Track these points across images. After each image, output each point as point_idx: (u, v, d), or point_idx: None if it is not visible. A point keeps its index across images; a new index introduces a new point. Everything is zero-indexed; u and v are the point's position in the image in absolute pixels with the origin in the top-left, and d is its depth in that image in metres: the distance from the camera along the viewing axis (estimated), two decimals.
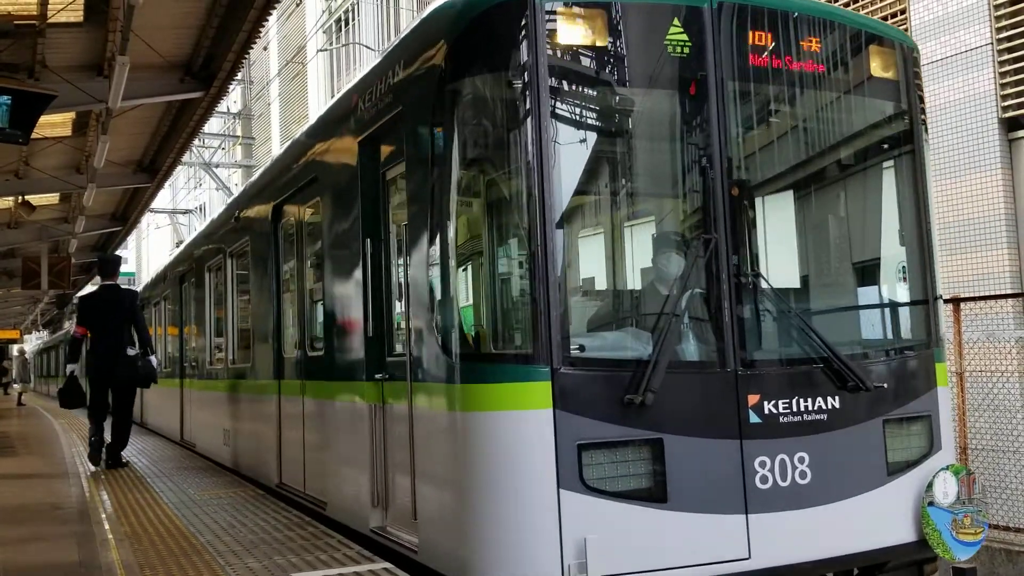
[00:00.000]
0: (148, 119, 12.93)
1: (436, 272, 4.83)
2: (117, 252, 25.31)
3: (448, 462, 4.74)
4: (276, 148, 26.84)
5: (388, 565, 5.23)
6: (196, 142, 18.99)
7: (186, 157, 19.11)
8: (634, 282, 5.78)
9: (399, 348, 5.58)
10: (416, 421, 5.15)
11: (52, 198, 17.15)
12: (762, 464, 4.69)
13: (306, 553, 5.65)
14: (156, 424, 16.79)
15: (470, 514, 4.53)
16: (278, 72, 28.59)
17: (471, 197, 5.00)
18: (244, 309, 10.12)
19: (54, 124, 12.25)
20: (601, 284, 6.01)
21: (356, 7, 24.55)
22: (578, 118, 5.00)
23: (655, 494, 4.50)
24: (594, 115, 5.11)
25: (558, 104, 4.74)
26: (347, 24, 25.39)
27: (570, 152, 4.88)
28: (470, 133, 4.87)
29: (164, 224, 44.53)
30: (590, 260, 5.85)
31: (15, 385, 38.74)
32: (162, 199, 29.27)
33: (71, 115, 12.13)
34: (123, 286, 11.49)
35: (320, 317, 7.13)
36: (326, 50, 25.91)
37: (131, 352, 10.08)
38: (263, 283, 8.71)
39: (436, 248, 4.83)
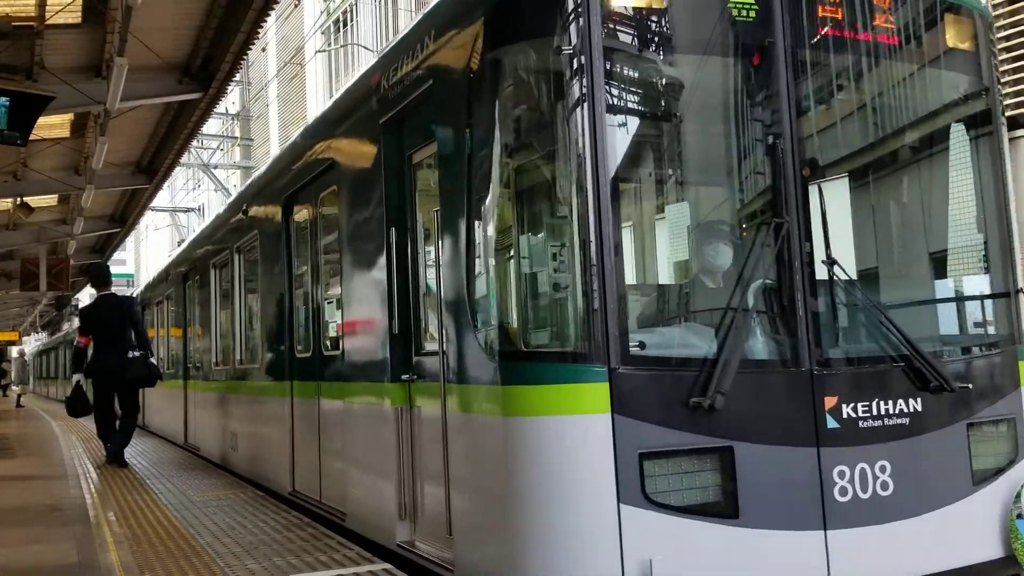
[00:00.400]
0: (146, 120, 12.91)
1: (474, 262, 4.41)
2: (111, 255, 25.36)
3: (490, 473, 4.29)
4: (275, 149, 26.83)
5: (388, 566, 5.22)
6: (195, 143, 18.95)
7: (185, 158, 19.08)
8: (694, 272, 5.16)
9: (429, 346, 5.24)
10: (451, 426, 4.71)
11: (51, 199, 17.13)
12: (841, 474, 4.22)
13: (306, 555, 5.65)
14: (159, 427, 16.44)
15: (517, 531, 4.06)
16: (276, 73, 28.58)
17: (514, 179, 4.53)
18: (252, 307, 9.70)
19: (52, 125, 12.24)
20: (658, 275, 5.55)
21: (354, 8, 24.55)
22: (634, 90, 4.55)
23: (725, 509, 4.05)
24: (652, 88, 4.63)
25: (612, 74, 4.27)
26: (345, 25, 25.39)
27: (625, 128, 4.45)
28: (514, 107, 4.40)
29: (163, 225, 44.55)
30: (646, 248, 5.34)
31: (14, 387, 38.72)
32: (161, 200, 29.24)
33: (69, 116, 12.12)
34: (119, 293, 12.48)
35: (337, 314, 6.72)
36: (325, 51, 25.91)
37: (133, 355, 10.54)
38: (273, 279, 8.28)
39: (475, 235, 4.41)
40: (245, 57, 10.41)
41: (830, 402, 4.27)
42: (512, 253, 4.51)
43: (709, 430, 4.06)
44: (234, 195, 11.59)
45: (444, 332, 4.73)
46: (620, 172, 4.39)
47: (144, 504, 7.87)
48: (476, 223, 4.41)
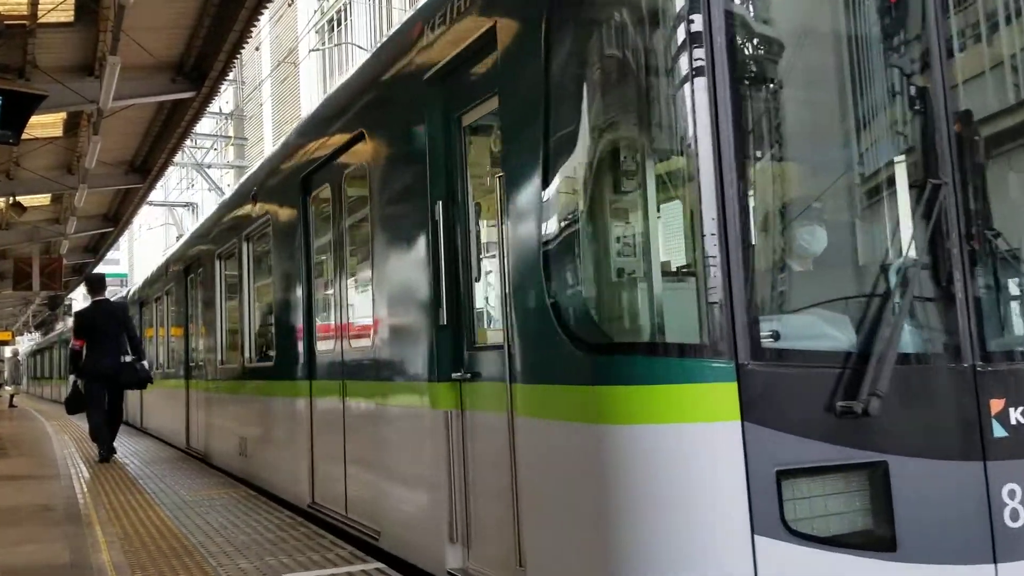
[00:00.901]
0: (139, 119, 12.90)
1: (555, 238, 3.68)
2: (104, 255, 25.36)
3: (578, 494, 3.47)
4: (268, 149, 26.80)
5: (380, 565, 5.22)
6: (188, 143, 18.95)
7: (178, 158, 19.06)
8: (829, 247, 4.14)
9: (489, 338, 4.63)
10: (521, 435, 3.93)
11: (43, 199, 17.10)
12: (1011, 494, 3.48)
13: (298, 554, 5.64)
14: (158, 429, 15.49)
15: (616, 568, 3.27)
16: (270, 72, 28.55)
17: (611, 137, 3.70)
18: (264, 300, 8.97)
19: (45, 125, 12.23)
20: (779, 252, 4.79)
21: (348, 7, 24.52)
22: (753, 32, 3.81)
23: (880, 540, 3.33)
24: (776, 29, 3.90)
25: (731, 10, 3.55)
26: (339, 24, 25.36)
27: (745, 75, 3.71)
28: (613, 48, 3.62)
29: (156, 225, 44.48)
30: (769, 219, 4.31)
31: (7, 387, 38.62)
32: (155, 198, 29.18)
33: (62, 115, 12.11)
34: (112, 299, 13.52)
35: (367, 305, 5.91)
36: (318, 50, 25.88)
37: (126, 359, 11.23)
38: (290, 268, 7.43)
39: (554, 207, 3.69)
40: (238, 56, 10.40)
41: (996, 405, 3.54)
42: (607, 226, 3.70)
43: (859, 441, 3.34)
44: (242, 179, 10.30)
45: (510, 321, 3.98)
46: (745, 127, 3.60)
47: (136, 504, 7.86)
48: (556, 192, 3.68)
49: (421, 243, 4.89)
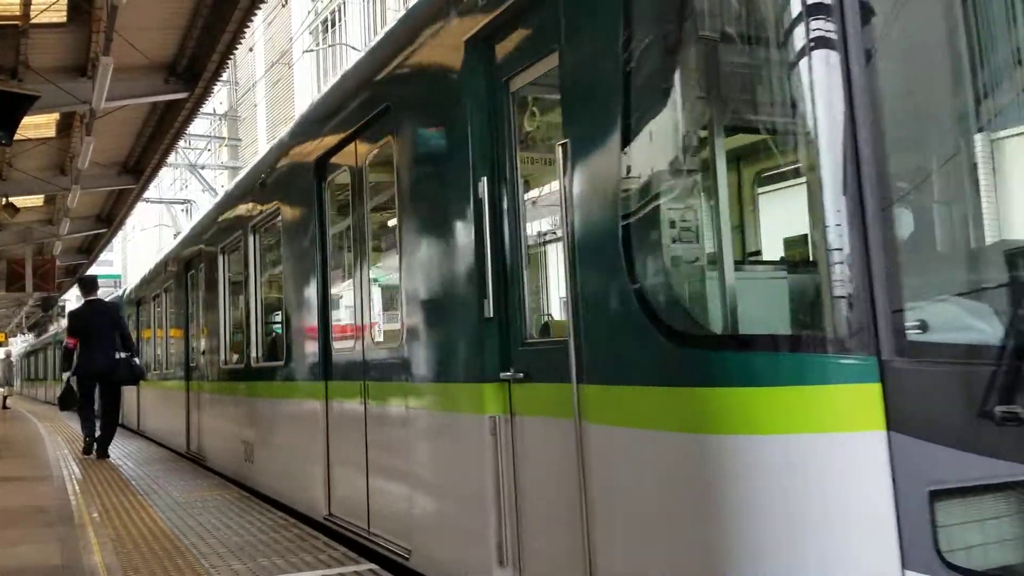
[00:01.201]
0: (133, 120, 12.89)
1: (641, 212, 3.13)
2: (98, 255, 25.34)
3: (675, 520, 2.94)
4: (263, 149, 26.76)
5: (373, 566, 5.21)
6: (182, 143, 18.91)
7: (172, 159, 19.03)
8: (971, 227, 3.54)
9: (546, 332, 4.31)
10: (595, 446, 3.33)
11: (36, 200, 17.07)
12: None
13: (291, 555, 5.63)
14: (156, 431, 14.85)
15: None
16: (264, 73, 28.53)
17: (712, 93, 3.19)
18: (274, 294, 8.48)
19: (38, 125, 12.20)
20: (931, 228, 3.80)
21: (343, 8, 24.51)
22: None
23: None
24: None
25: None
26: (334, 25, 25.35)
27: (881, 16, 3.10)
28: None
29: (150, 226, 44.38)
30: (911, 194, 3.53)
31: (0, 389, 38.51)
32: (151, 195, 29.06)
33: (55, 116, 12.09)
34: (105, 299, 13.73)
35: (394, 297, 5.38)
36: (312, 51, 25.87)
37: (119, 357, 11.54)
38: (303, 261, 6.85)
39: (642, 176, 3.16)
40: (232, 57, 10.40)
41: None
42: (713, 199, 3.21)
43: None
44: (248, 167, 9.48)
45: (578, 312, 3.43)
46: (883, 78, 3.01)
47: (129, 505, 7.84)
48: (643, 161, 3.15)
49: (460, 226, 4.33)
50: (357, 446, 5.77)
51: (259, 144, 29.50)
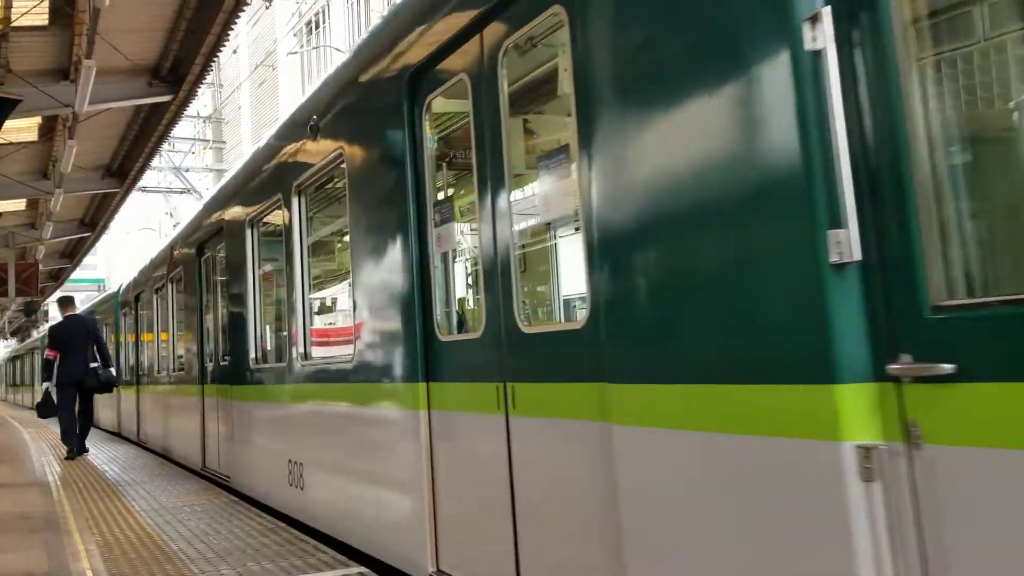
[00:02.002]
0: (116, 123, 12.82)
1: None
2: (81, 260, 25.25)
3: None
4: (248, 151, 26.67)
5: (363, 569, 5.20)
6: (166, 146, 18.82)
7: (156, 162, 18.94)
8: None
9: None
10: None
11: (19, 204, 16.94)
12: None
13: (280, 559, 5.61)
14: (162, 443, 13.06)
15: None
16: (249, 75, 28.43)
17: None
18: (335, 274, 7.28)
19: (20, 129, 12.11)
20: None
21: (326, 10, 24.46)
22: None
23: None
24: None
25: None
26: (317, 27, 25.28)
27: None
28: None
29: (135, 230, 44.11)
30: None
31: None
32: (134, 203, 28.91)
33: (37, 120, 12.01)
34: (83, 315, 14.19)
35: (563, 262, 4.20)
36: (296, 53, 25.80)
37: (93, 365, 12.40)
38: (384, 218, 5.08)
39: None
40: (216, 59, 10.36)
41: None
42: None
43: None
44: (294, 108, 7.22)
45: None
46: None
47: (116, 510, 7.79)
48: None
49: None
50: (494, 474, 3.97)
51: (244, 146, 29.38)
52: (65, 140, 11.23)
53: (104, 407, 18.41)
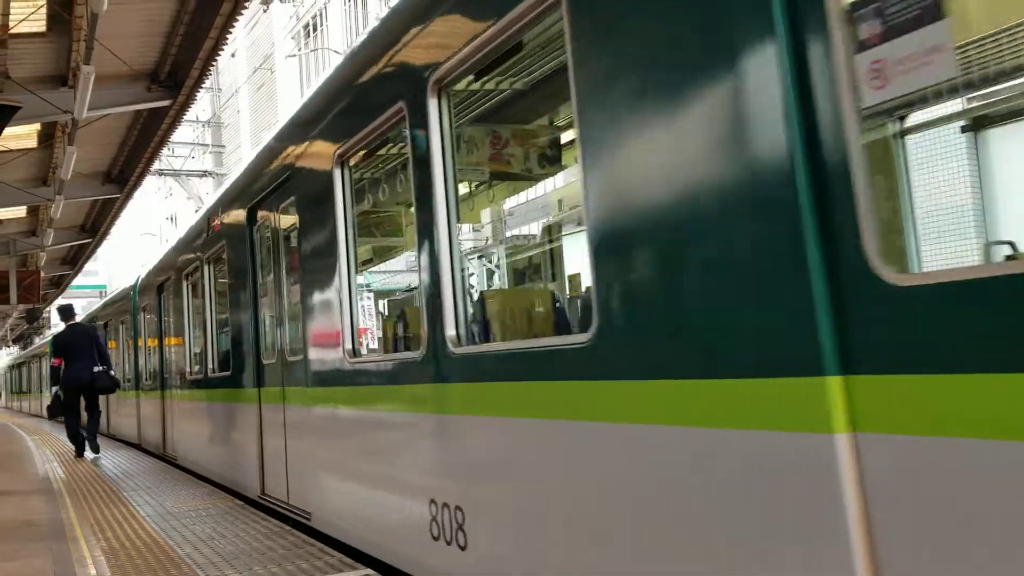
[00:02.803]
0: (115, 129, 12.83)
1: None
2: (82, 266, 25.31)
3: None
4: (247, 155, 26.64)
5: (370, 571, 5.19)
6: (165, 151, 18.83)
7: (156, 166, 18.93)
8: None
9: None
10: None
11: (19, 211, 16.96)
12: None
13: (287, 563, 5.60)
14: (201, 460, 10.79)
15: None
16: (247, 79, 28.43)
17: None
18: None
19: (20, 136, 12.12)
20: None
21: (324, 12, 24.45)
22: None
23: None
24: None
25: None
26: (315, 30, 25.28)
27: None
28: None
29: (137, 235, 44.14)
30: None
31: None
32: (133, 211, 28.88)
33: (36, 127, 12.02)
34: (85, 324, 15.18)
35: None
36: (295, 56, 25.80)
37: (99, 369, 13.20)
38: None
39: None
40: (214, 63, 10.36)
41: None
42: None
43: None
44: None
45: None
46: None
47: (121, 516, 7.78)
48: None
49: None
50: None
51: (243, 150, 29.37)
52: (65, 146, 11.23)
53: (123, 416, 17.98)
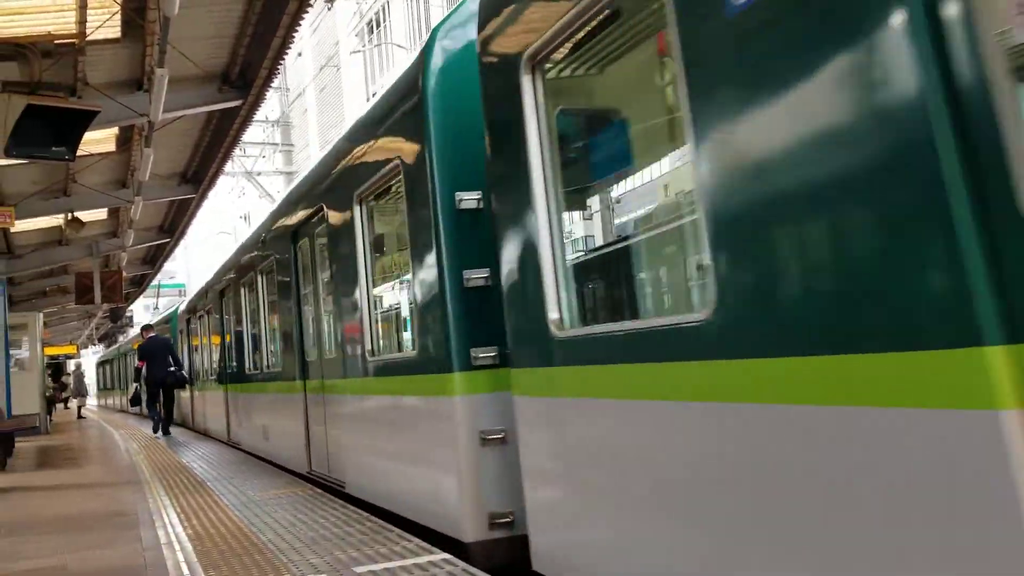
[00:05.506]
0: (189, 130, 13.14)
1: None
2: (162, 266, 26.07)
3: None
4: (315, 154, 26.99)
5: (447, 556, 5.26)
6: (237, 151, 19.23)
7: (228, 167, 19.37)
8: None
9: None
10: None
11: (100, 213, 17.51)
12: None
13: (365, 547, 5.70)
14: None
15: None
16: (314, 77, 28.84)
17: None
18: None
19: (98, 140, 12.50)
20: None
21: (386, 8, 24.66)
22: None
23: None
24: None
25: None
26: (379, 25, 25.52)
27: None
28: None
29: (208, 236, 45.21)
30: None
31: (72, 400, 39.64)
32: (208, 210, 29.59)
33: (114, 130, 12.38)
34: (161, 336, 19.55)
35: None
36: (359, 52, 26.09)
37: (171, 370, 17.42)
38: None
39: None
40: (282, 62, 10.54)
41: None
42: None
43: None
44: None
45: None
46: None
47: (205, 504, 8.02)
48: None
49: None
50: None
51: (312, 149, 29.83)
52: (142, 149, 11.55)
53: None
